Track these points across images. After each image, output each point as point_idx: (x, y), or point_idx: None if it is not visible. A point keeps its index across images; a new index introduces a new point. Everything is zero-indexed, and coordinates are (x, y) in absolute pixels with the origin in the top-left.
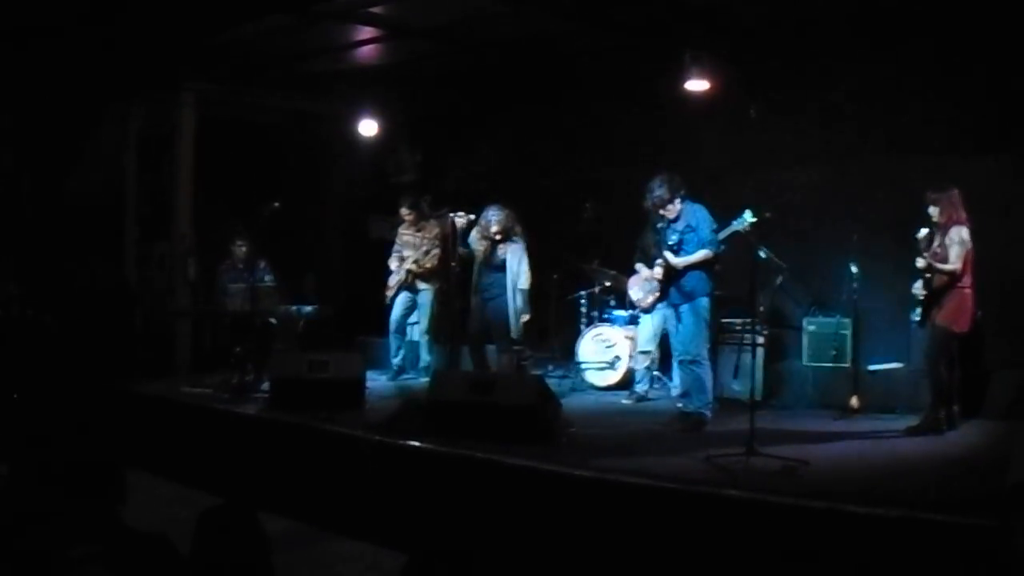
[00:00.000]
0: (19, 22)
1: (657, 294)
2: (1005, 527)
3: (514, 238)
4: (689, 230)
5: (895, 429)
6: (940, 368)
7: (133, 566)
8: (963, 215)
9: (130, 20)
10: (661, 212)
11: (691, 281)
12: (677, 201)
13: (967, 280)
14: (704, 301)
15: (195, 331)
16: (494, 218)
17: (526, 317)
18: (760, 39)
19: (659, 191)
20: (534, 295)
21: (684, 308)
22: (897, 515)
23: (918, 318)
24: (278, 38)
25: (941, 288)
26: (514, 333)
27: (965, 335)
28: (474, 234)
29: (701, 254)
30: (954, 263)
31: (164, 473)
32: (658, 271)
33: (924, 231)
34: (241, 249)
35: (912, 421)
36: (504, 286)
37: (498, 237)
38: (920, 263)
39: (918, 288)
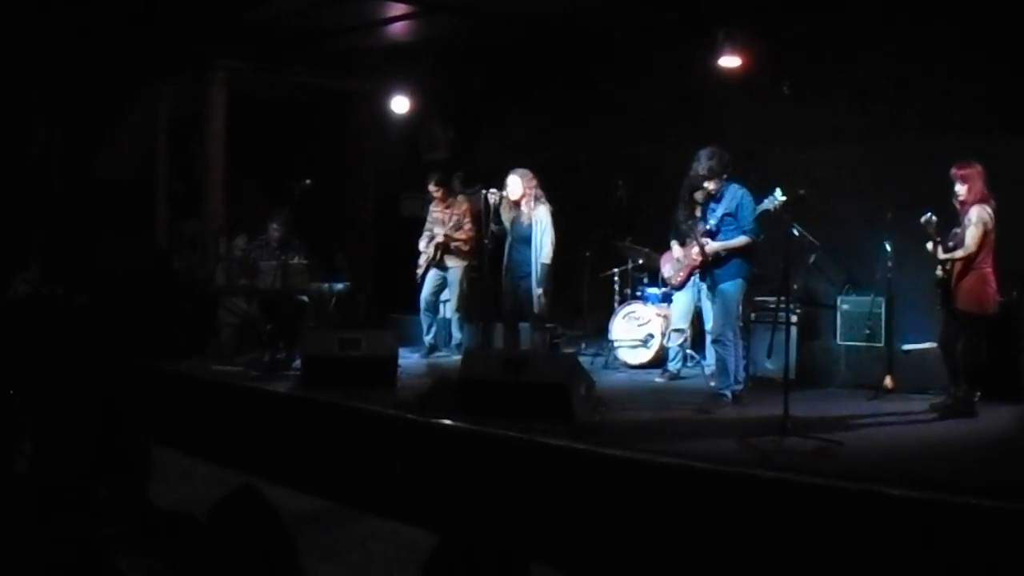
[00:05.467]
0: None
1: (688, 272)
2: None
3: (538, 202)
4: (729, 217)
5: (929, 409)
6: (979, 350)
7: (160, 546)
8: (986, 191)
9: None
10: (706, 184)
11: (730, 263)
12: (724, 178)
13: (986, 260)
14: (740, 283)
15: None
16: (511, 181)
17: (539, 291)
18: (793, 16)
19: (708, 162)
20: (565, 272)
21: (718, 288)
22: (932, 498)
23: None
24: (309, 15)
25: (960, 271)
26: (536, 308)
27: (995, 316)
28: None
29: (740, 240)
30: (969, 246)
31: (195, 452)
32: (695, 250)
33: (927, 215)
34: (276, 231)
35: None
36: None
37: (516, 198)
38: (941, 254)
39: (937, 271)
